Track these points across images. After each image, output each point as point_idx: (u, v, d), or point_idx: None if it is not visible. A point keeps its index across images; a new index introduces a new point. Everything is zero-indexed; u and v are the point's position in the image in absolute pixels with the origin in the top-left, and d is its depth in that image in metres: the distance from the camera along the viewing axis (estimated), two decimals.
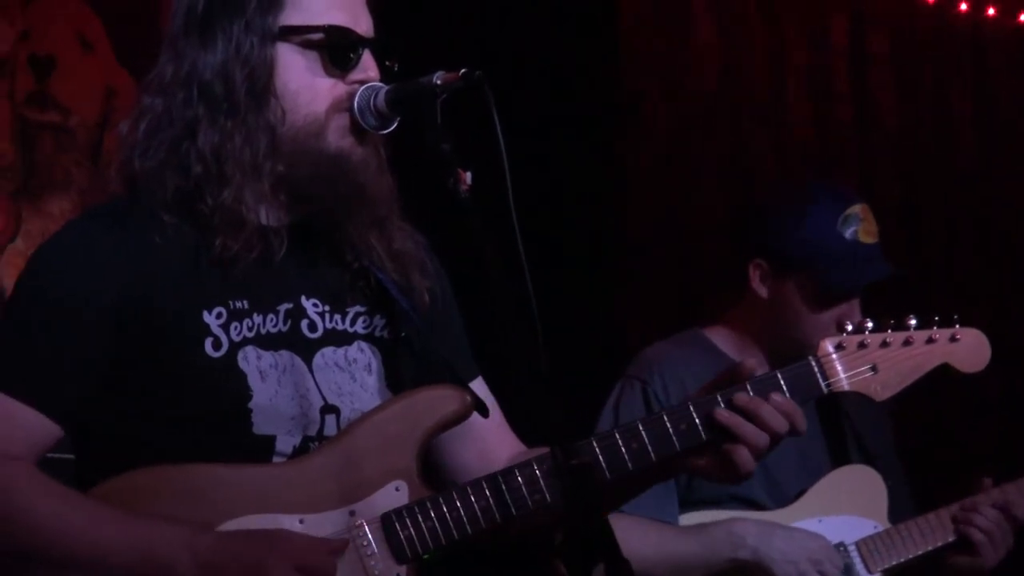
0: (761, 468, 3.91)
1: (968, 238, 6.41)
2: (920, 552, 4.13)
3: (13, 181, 5.45)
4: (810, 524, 4.05)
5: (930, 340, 3.03)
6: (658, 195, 6.20)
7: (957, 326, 3.06)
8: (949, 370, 3.06)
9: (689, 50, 6.26)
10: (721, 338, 4.17)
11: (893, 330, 2.99)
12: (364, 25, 2.87)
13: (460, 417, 2.87)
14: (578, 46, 6.04)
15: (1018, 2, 6.47)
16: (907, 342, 3.00)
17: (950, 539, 4.13)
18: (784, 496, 4.07)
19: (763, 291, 4.10)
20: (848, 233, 4.05)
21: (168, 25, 2.88)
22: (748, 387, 2.84)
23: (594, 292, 5.92)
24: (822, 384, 2.93)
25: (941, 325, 3.04)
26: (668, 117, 6.23)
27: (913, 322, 3.01)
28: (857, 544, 4.09)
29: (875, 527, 4.12)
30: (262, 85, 2.80)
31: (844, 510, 4.09)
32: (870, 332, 2.97)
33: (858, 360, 2.96)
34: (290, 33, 2.82)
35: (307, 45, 2.83)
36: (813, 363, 2.94)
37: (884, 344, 2.97)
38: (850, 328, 2.96)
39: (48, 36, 5.52)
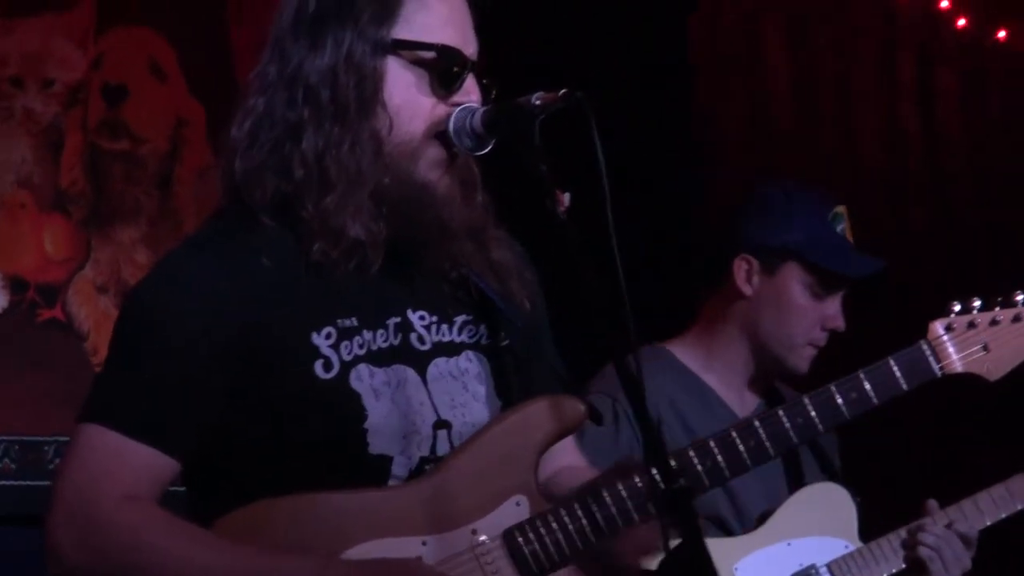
0: (724, 490, 3.81)
1: None
2: (894, 570, 3.97)
3: (84, 208, 5.45)
4: (780, 548, 3.93)
5: None
6: None
7: None
8: None
9: (762, 88, 6.30)
10: (685, 354, 4.06)
11: (1001, 307, 2.91)
12: (471, 48, 2.82)
13: (577, 426, 2.82)
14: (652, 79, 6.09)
15: None
16: (1017, 318, 2.92)
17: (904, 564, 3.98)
18: (748, 519, 3.95)
19: (748, 289, 3.98)
20: (838, 228, 4.01)
21: (274, 25, 2.82)
22: (862, 375, 2.82)
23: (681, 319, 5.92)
24: (935, 367, 2.86)
25: None
26: (744, 154, 6.24)
27: (1020, 298, 2.93)
28: (828, 566, 3.95)
29: (846, 547, 3.99)
30: (370, 94, 2.75)
31: (813, 531, 3.95)
32: (978, 311, 2.89)
33: (969, 340, 2.88)
34: (402, 47, 2.77)
35: (416, 62, 2.77)
36: (925, 347, 2.87)
37: (994, 322, 2.89)
38: (957, 308, 2.89)
39: (120, 64, 5.51)
